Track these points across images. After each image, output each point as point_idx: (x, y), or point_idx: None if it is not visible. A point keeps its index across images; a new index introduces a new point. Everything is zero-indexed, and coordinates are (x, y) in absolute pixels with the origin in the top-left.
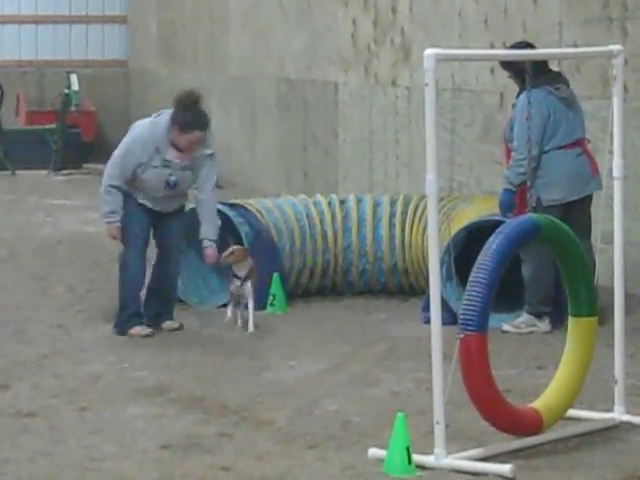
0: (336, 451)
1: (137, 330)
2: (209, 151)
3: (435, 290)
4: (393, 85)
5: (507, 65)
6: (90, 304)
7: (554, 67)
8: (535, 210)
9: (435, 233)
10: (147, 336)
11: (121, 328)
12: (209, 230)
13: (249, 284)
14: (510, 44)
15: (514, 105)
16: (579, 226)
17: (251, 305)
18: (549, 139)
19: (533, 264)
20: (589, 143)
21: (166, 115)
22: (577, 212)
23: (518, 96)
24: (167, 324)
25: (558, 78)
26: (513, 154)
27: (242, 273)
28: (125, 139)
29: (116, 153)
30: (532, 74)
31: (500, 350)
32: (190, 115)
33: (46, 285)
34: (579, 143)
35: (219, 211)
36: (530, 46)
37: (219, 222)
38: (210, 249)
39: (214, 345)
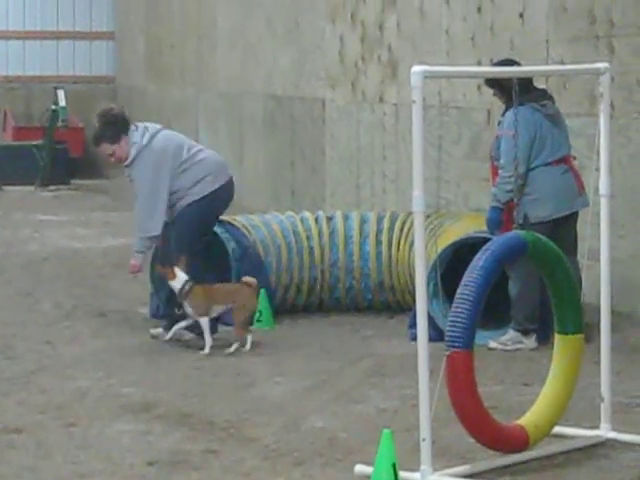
0: (322, 468)
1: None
2: (125, 162)
3: (422, 307)
4: (380, 102)
5: (492, 83)
6: (77, 320)
7: (541, 84)
8: (522, 227)
9: (422, 250)
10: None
11: None
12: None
13: (184, 304)
14: (495, 61)
15: (500, 122)
16: (566, 243)
17: (182, 324)
18: (535, 156)
19: (519, 281)
20: (575, 160)
21: None
22: (564, 229)
23: (504, 114)
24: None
25: (544, 95)
26: (500, 172)
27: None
28: None
29: None
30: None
31: (486, 367)
32: (94, 130)
33: (33, 301)
34: (565, 160)
35: None
36: (515, 63)
37: (141, 234)
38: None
39: (201, 361)
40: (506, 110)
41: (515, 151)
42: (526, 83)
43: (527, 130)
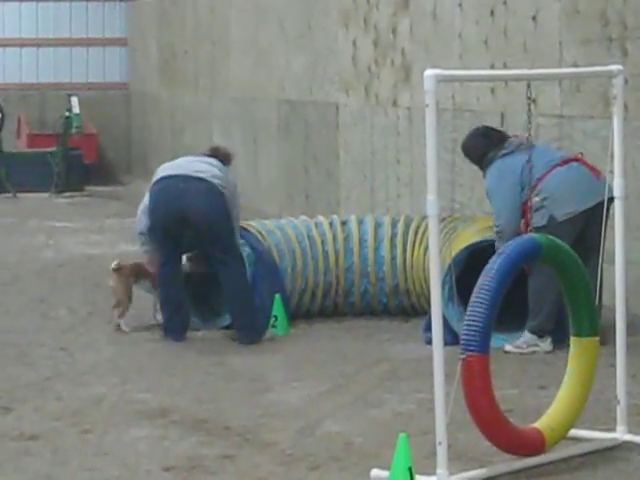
0: (339, 472)
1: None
2: None
3: (437, 311)
4: (394, 106)
5: (467, 154)
6: (92, 326)
7: (554, 87)
8: (547, 229)
9: (436, 254)
10: None
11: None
12: None
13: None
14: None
15: (484, 176)
16: (598, 237)
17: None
18: (533, 175)
19: (541, 278)
20: (582, 155)
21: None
22: (596, 222)
23: (485, 175)
24: None
25: (505, 138)
26: (494, 228)
27: None
28: None
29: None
30: (487, 155)
31: (502, 370)
32: None
33: (48, 308)
34: (571, 159)
35: None
36: (485, 134)
37: None
38: None
39: (216, 367)
40: (484, 171)
41: (509, 200)
42: (492, 142)
43: (510, 182)
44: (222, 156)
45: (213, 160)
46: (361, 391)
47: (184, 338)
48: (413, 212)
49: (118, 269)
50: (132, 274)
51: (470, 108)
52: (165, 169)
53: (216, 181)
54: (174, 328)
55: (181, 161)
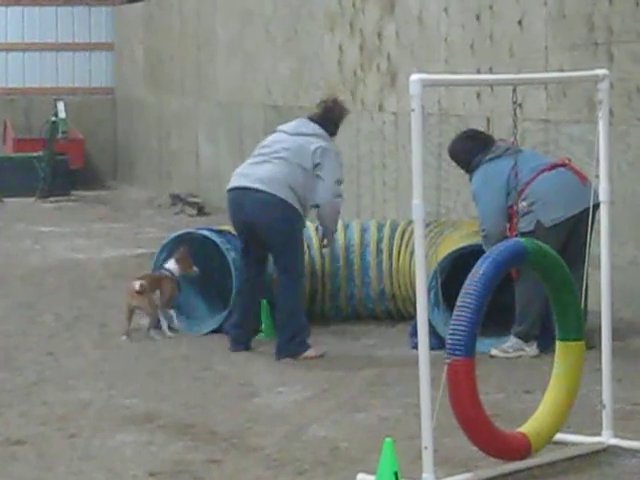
0: (325, 477)
1: (312, 352)
2: None
3: (422, 315)
4: (380, 110)
5: (453, 158)
6: (78, 331)
7: (540, 91)
8: (535, 234)
9: (422, 258)
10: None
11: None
12: None
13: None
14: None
15: (470, 179)
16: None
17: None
18: (521, 178)
19: (528, 283)
20: (570, 161)
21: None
22: (582, 228)
23: (471, 179)
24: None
25: (492, 142)
26: (480, 232)
27: None
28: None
29: (336, 165)
30: (474, 158)
31: (488, 375)
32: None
33: (34, 313)
34: (557, 165)
35: (206, 237)
36: (472, 138)
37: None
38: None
39: (202, 372)
40: (470, 174)
41: (495, 203)
42: (477, 145)
43: (497, 186)
44: (327, 123)
45: (300, 139)
46: (347, 396)
47: (249, 347)
48: (399, 217)
49: (142, 291)
50: (152, 288)
51: (456, 113)
52: (233, 178)
53: (275, 189)
54: (238, 339)
55: (248, 167)
